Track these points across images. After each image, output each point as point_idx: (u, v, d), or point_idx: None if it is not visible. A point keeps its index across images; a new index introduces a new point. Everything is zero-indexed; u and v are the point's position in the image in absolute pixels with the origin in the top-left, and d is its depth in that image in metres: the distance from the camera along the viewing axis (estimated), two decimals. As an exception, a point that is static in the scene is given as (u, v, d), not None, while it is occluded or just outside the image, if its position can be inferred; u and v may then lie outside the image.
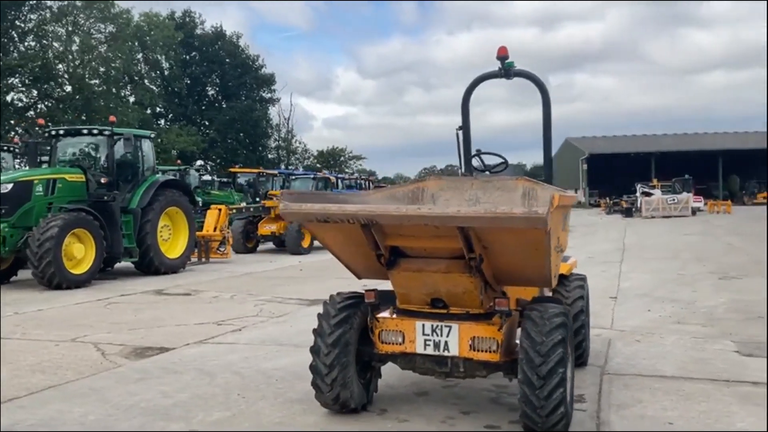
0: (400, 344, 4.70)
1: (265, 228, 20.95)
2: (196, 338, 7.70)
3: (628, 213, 37.74)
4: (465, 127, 7.25)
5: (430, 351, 4.60)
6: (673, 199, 36.78)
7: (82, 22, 45.09)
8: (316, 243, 21.22)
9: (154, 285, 12.92)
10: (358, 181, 38.54)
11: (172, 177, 17.52)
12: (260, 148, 57.33)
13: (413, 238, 4.30)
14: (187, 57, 54.57)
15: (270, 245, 22.04)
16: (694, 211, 36.95)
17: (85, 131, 14.66)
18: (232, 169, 29.35)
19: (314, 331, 4.80)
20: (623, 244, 21.16)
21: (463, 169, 7.28)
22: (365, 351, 4.86)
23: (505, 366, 4.55)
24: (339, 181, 33.36)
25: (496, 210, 3.77)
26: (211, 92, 57.74)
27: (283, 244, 20.91)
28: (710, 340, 7.27)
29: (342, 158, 65.75)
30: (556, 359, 4.22)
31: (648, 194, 38.64)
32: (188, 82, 53.80)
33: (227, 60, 54.56)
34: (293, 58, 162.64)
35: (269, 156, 58.67)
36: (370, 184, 41.87)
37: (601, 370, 6.10)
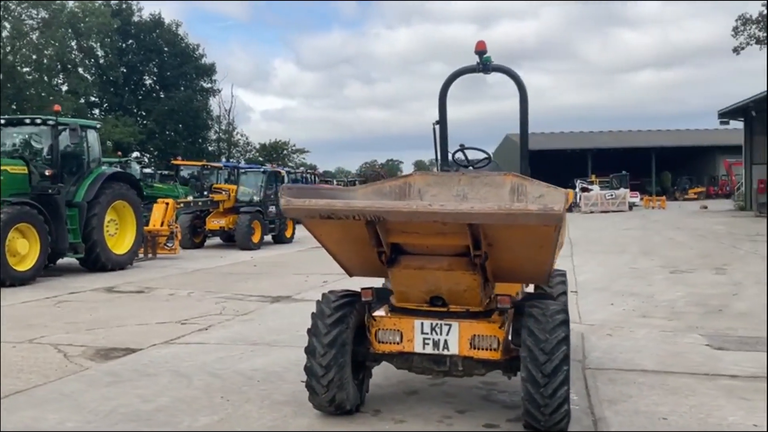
0: (398, 343, 4.58)
1: (214, 222, 20.49)
2: (161, 338, 7.40)
3: (567, 208, 38.53)
4: (442, 121, 7.17)
5: (429, 350, 4.50)
6: (611, 195, 37.78)
7: (13, 7, 43.09)
8: (267, 238, 20.92)
9: (103, 282, 12.42)
10: (304, 175, 38.16)
11: (120, 169, 16.90)
12: (200, 140, 56.07)
13: (417, 234, 4.19)
14: (124, 45, 52.84)
15: (217, 240, 21.57)
16: (631, 206, 38.06)
17: (27, 121, 13.97)
18: (174, 161, 28.59)
19: (309, 331, 4.64)
20: (569, 239, 21.55)
21: (439, 164, 7.21)
22: (359, 351, 4.73)
23: (505, 364, 4.50)
24: (286, 174, 32.97)
25: (511, 207, 3.70)
26: (148, 82, 56.10)
27: (231, 239, 20.49)
28: (679, 334, 7.42)
29: (285, 152, 64.97)
30: (560, 357, 4.19)
31: (587, 190, 39.58)
32: (124, 70, 52.09)
33: (166, 49, 53.08)
34: (230, 49, 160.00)
35: (209, 148, 57.43)
36: (316, 178, 41.52)
37: (582, 365, 6.13)
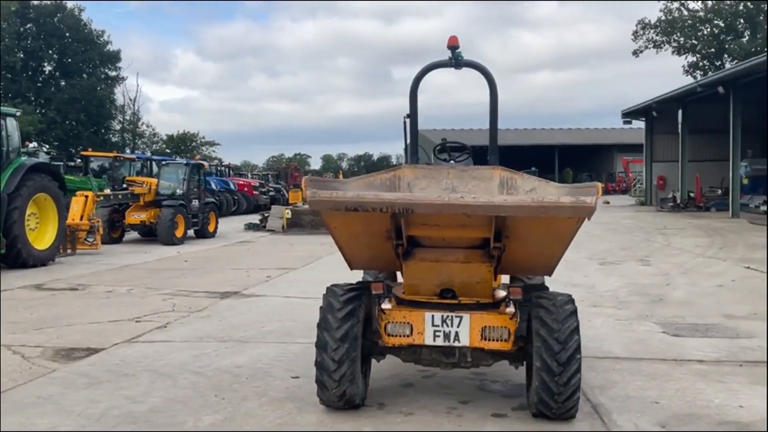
0: (408, 336, 4.58)
1: (134, 217, 19.68)
2: (121, 337, 7.08)
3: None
4: (413, 114, 7.21)
5: (439, 342, 4.53)
6: (523, 190, 39.09)
7: None
8: (189, 233, 20.31)
9: (30, 279, 11.72)
10: (219, 168, 37.30)
11: (42, 161, 15.97)
12: (103, 131, 53.63)
13: (437, 227, 4.21)
14: (22, 29, 49.78)
15: (135, 235, 20.78)
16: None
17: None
18: (85, 153, 27.25)
19: (319, 325, 4.57)
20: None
21: (409, 156, 7.25)
22: (366, 344, 4.69)
23: (515, 354, 4.58)
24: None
25: (543, 199, 3.78)
26: (48, 68, 53.10)
27: (151, 234, 19.78)
28: (634, 322, 7.78)
29: (194, 144, 63.14)
30: (574, 346, 4.32)
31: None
32: (22, 56, 49.11)
33: (67, 34, 50.38)
34: (127, 36, 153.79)
35: (113, 139, 55.03)
36: (230, 171, 40.66)
37: (557, 354, 6.31)
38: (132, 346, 6.73)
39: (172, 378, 5.52)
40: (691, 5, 45.51)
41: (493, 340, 4.51)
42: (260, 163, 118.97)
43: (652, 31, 46.51)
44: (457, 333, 4.51)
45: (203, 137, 65.61)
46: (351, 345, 4.46)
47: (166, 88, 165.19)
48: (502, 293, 4.83)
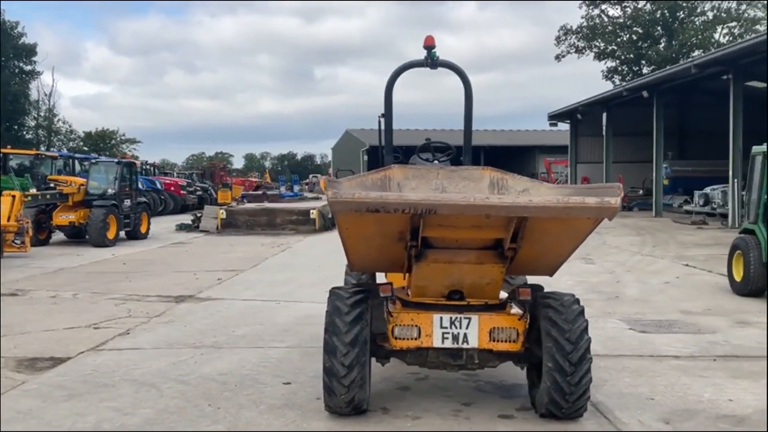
0: (416, 339, 4.51)
1: (62, 217, 18.74)
2: (84, 345, 6.71)
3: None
4: (387, 113, 7.15)
5: (448, 344, 4.48)
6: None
7: None
8: (121, 234, 19.54)
9: (-40, 285, 10.97)
10: (145, 167, 36.05)
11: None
12: (16, 127, 50.91)
13: (453, 228, 4.15)
14: (-76, 18, 46.76)
15: (61, 236, 19.82)
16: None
17: None
18: (4, 150, 25.79)
19: (326, 329, 4.43)
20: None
21: (385, 155, 7.18)
22: (371, 348, 4.59)
23: (520, 355, 4.58)
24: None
25: (568, 200, 3.78)
26: (-46, 61, 49.97)
27: (79, 235, 18.92)
28: (600, 320, 7.95)
29: (113, 141, 60.79)
30: (585, 345, 4.36)
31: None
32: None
33: (-23, 25, 47.57)
34: (35, 28, 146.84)
35: (27, 136, 52.34)
36: (155, 170, 39.40)
37: (538, 353, 6.38)
38: (99, 354, 6.39)
39: (156, 388, 5.26)
40: (611, 12, 47.25)
41: (502, 341, 4.50)
42: (179, 162, 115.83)
43: (574, 36, 47.99)
44: (465, 335, 4.47)
45: (123, 134, 63.30)
46: (361, 349, 4.36)
47: (77, 83, 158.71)
48: (503, 294, 4.83)
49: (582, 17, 47.55)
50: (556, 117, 37.53)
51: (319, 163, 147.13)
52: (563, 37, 48.22)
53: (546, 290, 4.75)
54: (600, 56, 47.70)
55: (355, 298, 4.49)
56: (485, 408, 4.79)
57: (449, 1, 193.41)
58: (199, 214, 24.67)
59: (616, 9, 47.05)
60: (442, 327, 4.47)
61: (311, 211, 23.27)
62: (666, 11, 44.47)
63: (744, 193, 22.01)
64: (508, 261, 4.33)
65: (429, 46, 7.14)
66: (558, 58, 49.26)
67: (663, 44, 45.31)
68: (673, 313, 8.41)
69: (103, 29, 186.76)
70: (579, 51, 47.93)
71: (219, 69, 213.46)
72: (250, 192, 46.99)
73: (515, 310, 4.61)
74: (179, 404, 4.86)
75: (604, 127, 32.27)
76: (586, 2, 46.80)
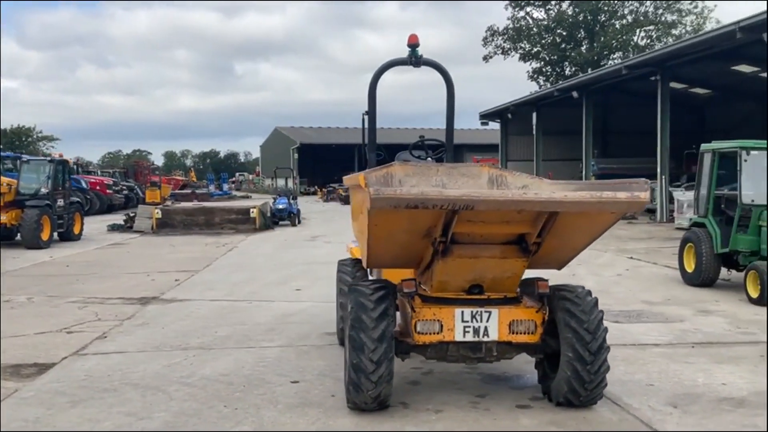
0: (437, 333, 4.57)
1: (-9, 218, 17.84)
2: (64, 350, 6.47)
3: (347, 200, 39.72)
4: (371, 111, 7.20)
5: (469, 338, 4.57)
6: (387, 188, 39.99)
7: None
8: (54, 235, 18.73)
9: None
10: (71, 166, 34.55)
11: None
12: None
13: (482, 223, 4.24)
14: None
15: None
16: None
17: None
18: None
19: (352, 326, 4.43)
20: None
21: (368, 152, 7.23)
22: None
23: (538, 346, 4.72)
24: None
25: (601, 195, 3.93)
26: None
27: (9, 237, 18.04)
28: (572, 312, 8.22)
29: (29, 139, 58.05)
30: (603, 335, 4.54)
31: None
32: None
33: None
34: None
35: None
36: (79, 168, 37.86)
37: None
38: (85, 359, 6.16)
39: (161, 391, 5.13)
40: (536, 14, 48.62)
41: (521, 333, 4.62)
42: (94, 160, 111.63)
43: (500, 38, 49.10)
44: (486, 328, 4.57)
45: (41, 132, 60.56)
46: (388, 345, 4.39)
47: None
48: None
49: (508, 18, 48.74)
50: (487, 116, 38.33)
51: (243, 161, 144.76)
52: (490, 38, 49.28)
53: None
54: (525, 57, 48.98)
55: (379, 294, 4.52)
56: (500, 399, 4.91)
57: (369, 0, 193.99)
58: (132, 214, 23.91)
59: (541, 12, 48.47)
60: (463, 321, 4.56)
61: (251, 209, 22.91)
62: (588, 14, 46.10)
63: (674, 188, 23.15)
64: (530, 255, 4.45)
65: (413, 44, 7.23)
66: (486, 58, 50.30)
67: (585, 46, 46.95)
68: (636, 303, 8.79)
69: (10, 21, 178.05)
70: (505, 52, 49.08)
71: (134, 64, 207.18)
72: (179, 191, 45.89)
73: (530, 302, 4.73)
74: (193, 406, 4.76)
75: (534, 126, 33.18)
76: (512, 4, 48.01)
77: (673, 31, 46.44)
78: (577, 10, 46.67)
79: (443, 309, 4.58)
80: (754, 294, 8.62)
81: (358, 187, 4.39)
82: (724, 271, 9.98)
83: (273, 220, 23.63)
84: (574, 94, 27.24)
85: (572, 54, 46.42)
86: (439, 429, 4.37)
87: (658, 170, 22.69)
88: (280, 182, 65.48)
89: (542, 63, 49.03)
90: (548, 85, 42.53)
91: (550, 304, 4.67)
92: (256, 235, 20.42)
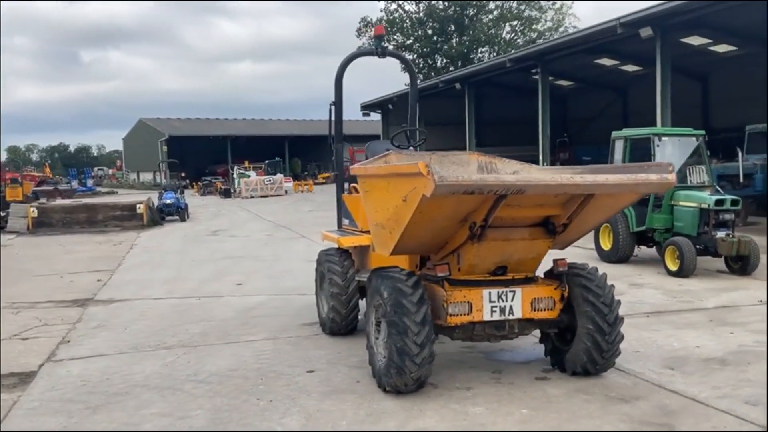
0: (467, 314, 4.77)
1: None
2: (31, 357, 6.09)
3: (226, 194, 38.79)
4: (338, 101, 7.28)
5: (496, 317, 4.80)
6: (270, 180, 39.27)
7: None
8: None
9: None
10: None
11: None
12: None
13: (519, 207, 4.47)
14: None
15: None
16: (287, 191, 40.05)
17: None
18: None
19: (393, 311, 4.53)
20: (276, 223, 21.88)
21: (333, 142, 7.31)
22: None
23: (556, 321, 5.03)
24: None
25: (636, 177, 4.28)
26: None
27: None
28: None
29: None
30: (618, 308, 4.93)
31: (245, 176, 40.51)
32: None
33: None
34: None
35: None
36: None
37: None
38: (65, 364, 5.81)
39: (179, 390, 4.97)
40: (408, 7, 49.65)
41: (542, 310, 4.91)
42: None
43: (373, 29, 49.71)
44: (511, 307, 4.82)
45: None
46: (430, 327, 4.53)
47: None
48: None
49: (381, 10, 49.43)
50: (368, 107, 38.72)
51: (96, 154, 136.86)
52: (364, 30, 49.76)
53: None
54: (399, 49, 49.89)
55: (414, 279, 4.66)
56: (517, 374, 5.19)
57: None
58: (2, 213, 22.19)
59: (413, 4, 49.55)
60: (490, 301, 4.78)
61: (138, 205, 21.82)
62: (457, 8, 47.70)
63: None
64: (555, 236, 4.75)
65: (379, 35, 7.39)
66: (360, 49, 50.72)
67: (455, 40, 48.58)
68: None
69: None
70: (379, 43, 49.71)
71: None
72: (38, 188, 42.93)
73: (549, 280, 5.03)
74: (227, 402, 4.67)
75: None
76: (385, -4, 48.74)
77: (535, 26, 49.11)
78: (446, 3, 48.15)
79: (472, 291, 4.77)
80: (673, 267, 9.49)
81: (399, 176, 4.40)
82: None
83: (161, 215, 22.70)
84: (457, 85, 28.24)
85: (444, 47, 47.87)
86: (480, 404, 4.57)
87: (540, 157, 24.06)
88: (145, 177, 62.67)
89: (415, 55, 50.16)
90: (421, 77, 43.60)
91: (566, 281, 4.99)
92: (148, 231, 19.47)
